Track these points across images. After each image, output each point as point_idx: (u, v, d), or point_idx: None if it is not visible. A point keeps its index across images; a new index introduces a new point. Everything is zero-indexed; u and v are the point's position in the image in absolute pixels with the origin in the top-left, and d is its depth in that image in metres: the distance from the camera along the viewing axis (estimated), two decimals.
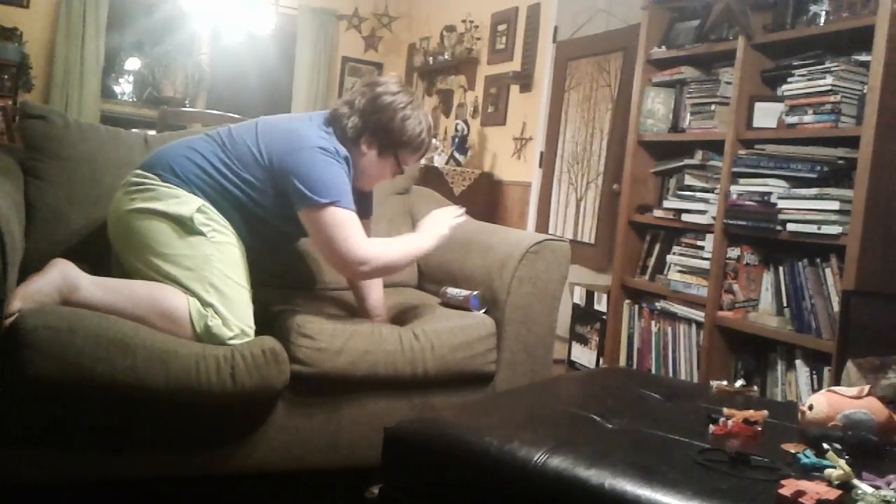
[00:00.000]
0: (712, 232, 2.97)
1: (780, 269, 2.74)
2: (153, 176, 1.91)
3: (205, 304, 1.77)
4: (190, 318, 1.75)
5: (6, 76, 5.44)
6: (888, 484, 1.20)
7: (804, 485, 1.15)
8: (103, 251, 2.00)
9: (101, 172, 2.11)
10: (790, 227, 2.61)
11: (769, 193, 2.71)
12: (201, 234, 1.85)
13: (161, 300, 1.77)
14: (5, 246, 1.56)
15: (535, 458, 1.28)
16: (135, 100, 6.33)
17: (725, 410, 1.51)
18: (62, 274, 1.74)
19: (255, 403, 1.84)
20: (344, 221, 1.84)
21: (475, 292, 2.18)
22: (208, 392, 1.72)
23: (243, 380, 1.75)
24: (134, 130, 2.34)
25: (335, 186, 1.85)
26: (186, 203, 1.86)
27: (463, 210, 2.10)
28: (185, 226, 1.84)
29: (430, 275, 2.44)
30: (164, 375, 1.68)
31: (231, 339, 1.77)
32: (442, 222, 2.03)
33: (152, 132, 2.61)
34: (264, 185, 1.91)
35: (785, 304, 2.72)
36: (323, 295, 2.32)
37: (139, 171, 1.95)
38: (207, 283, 1.80)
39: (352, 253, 1.84)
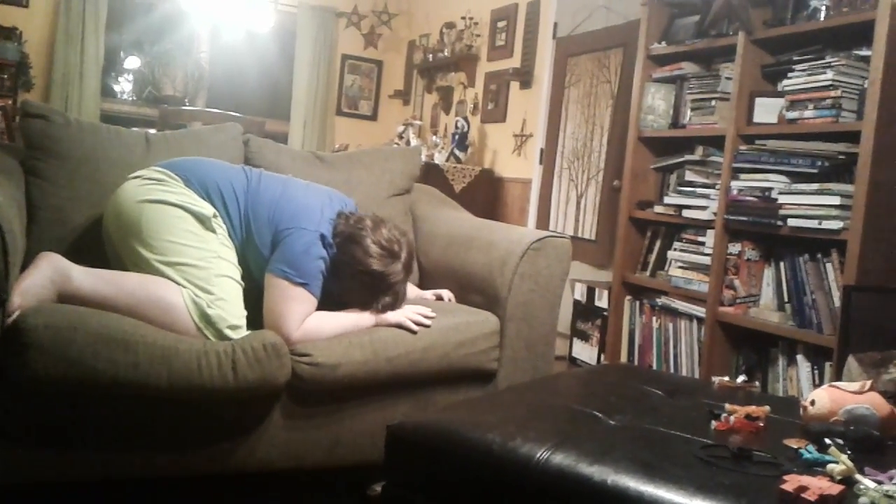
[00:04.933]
0: (713, 228, 2.97)
1: (781, 264, 2.74)
2: (176, 177, 1.95)
3: (206, 292, 1.79)
4: (186, 308, 1.77)
5: (6, 76, 5.42)
6: (891, 479, 1.20)
7: (806, 480, 1.15)
8: (105, 250, 1.99)
9: (103, 171, 2.11)
10: (791, 222, 2.61)
11: (770, 189, 2.71)
12: (214, 232, 1.90)
13: (154, 291, 1.78)
14: (7, 246, 1.56)
15: (538, 455, 1.28)
16: (134, 99, 6.32)
17: (727, 406, 1.51)
18: (52, 265, 1.76)
19: (258, 399, 1.84)
20: (298, 298, 1.90)
21: None
22: (210, 388, 1.72)
23: (245, 374, 1.75)
24: (134, 129, 2.34)
25: (313, 274, 1.93)
26: (205, 206, 1.92)
27: (434, 316, 2.05)
28: (202, 222, 1.89)
29: (432, 272, 2.44)
30: (166, 372, 1.68)
31: (228, 327, 1.79)
32: (399, 316, 2.01)
33: (153, 131, 2.61)
34: (264, 243, 1.95)
35: (786, 300, 2.72)
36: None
37: (161, 169, 1.98)
38: (212, 276, 1.83)
39: (290, 330, 1.87)
